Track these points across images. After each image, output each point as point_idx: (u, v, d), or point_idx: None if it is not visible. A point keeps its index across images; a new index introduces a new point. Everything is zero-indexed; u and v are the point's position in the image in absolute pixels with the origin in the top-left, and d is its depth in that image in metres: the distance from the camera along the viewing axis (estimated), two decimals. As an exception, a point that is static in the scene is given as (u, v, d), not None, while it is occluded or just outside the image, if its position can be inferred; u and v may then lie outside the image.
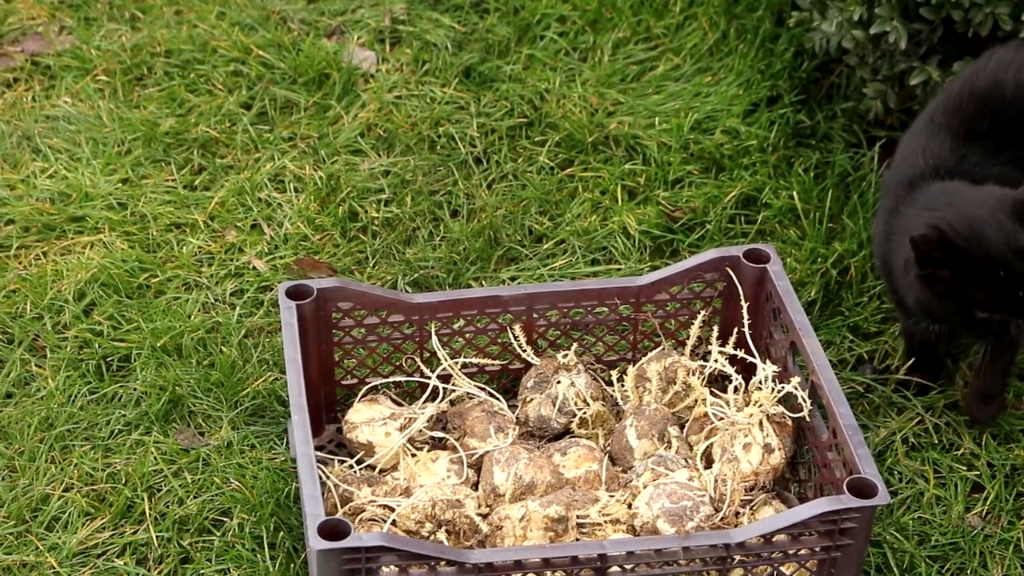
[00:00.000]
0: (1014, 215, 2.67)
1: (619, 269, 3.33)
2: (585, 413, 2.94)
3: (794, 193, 3.40)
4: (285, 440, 3.00)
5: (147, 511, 2.87)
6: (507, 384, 3.05)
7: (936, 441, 3.01)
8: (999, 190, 2.77)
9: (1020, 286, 2.66)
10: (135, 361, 3.13)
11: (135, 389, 3.07)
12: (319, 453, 2.93)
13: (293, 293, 2.88)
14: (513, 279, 3.32)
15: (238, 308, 3.24)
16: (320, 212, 3.44)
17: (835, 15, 3.32)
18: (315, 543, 2.49)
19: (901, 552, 2.83)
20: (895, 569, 2.81)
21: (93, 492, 2.91)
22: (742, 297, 2.93)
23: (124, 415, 3.03)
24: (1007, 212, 2.68)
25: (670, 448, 2.87)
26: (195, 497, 2.90)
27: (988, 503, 2.91)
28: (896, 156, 3.02)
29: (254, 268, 3.34)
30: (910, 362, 3.07)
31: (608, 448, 2.92)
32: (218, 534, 2.85)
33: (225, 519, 2.88)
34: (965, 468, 2.96)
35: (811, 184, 3.43)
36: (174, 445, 2.99)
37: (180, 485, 2.92)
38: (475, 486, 2.86)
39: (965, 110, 2.92)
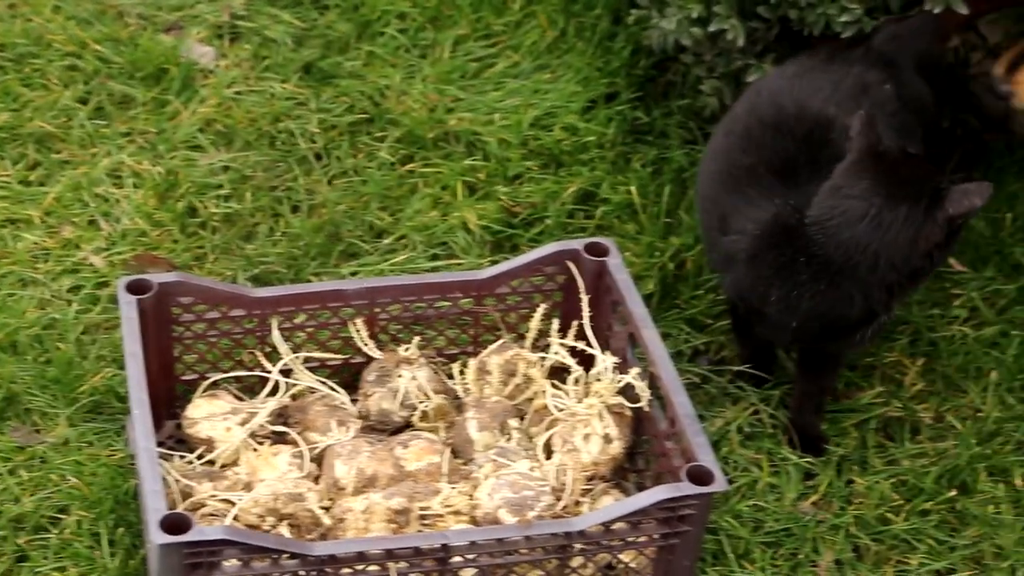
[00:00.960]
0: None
1: (460, 264, 3.35)
2: (426, 406, 2.95)
3: (632, 188, 3.45)
4: (124, 436, 2.97)
5: (-18, 509, 2.84)
6: (349, 378, 3.05)
7: (770, 431, 3.07)
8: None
9: None
10: (-31, 358, 3.08)
11: (-31, 386, 3.03)
12: (159, 449, 2.90)
13: (133, 288, 2.85)
14: (354, 274, 3.32)
15: (75, 304, 3.20)
16: (159, 208, 3.42)
17: (674, 13, 3.37)
18: (156, 537, 2.47)
19: (737, 538, 2.89)
20: (731, 555, 2.86)
21: (-74, 491, 2.86)
22: (582, 290, 2.96)
23: (-42, 412, 2.99)
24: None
25: (511, 440, 2.90)
26: (31, 495, 2.87)
27: (820, 491, 2.98)
28: None
29: (91, 264, 3.30)
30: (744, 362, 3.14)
31: (450, 441, 2.94)
32: (55, 532, 2.82)
33: (63, 516, 2.84)
34: (797, 457, 3.03)
35: (648, 180, 3.48)
36: (9, 443, 2.95)
37: (16, 483, 2.89)
38: (317, 480, 2.86)
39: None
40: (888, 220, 2.73)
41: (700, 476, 2.61)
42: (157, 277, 2.88)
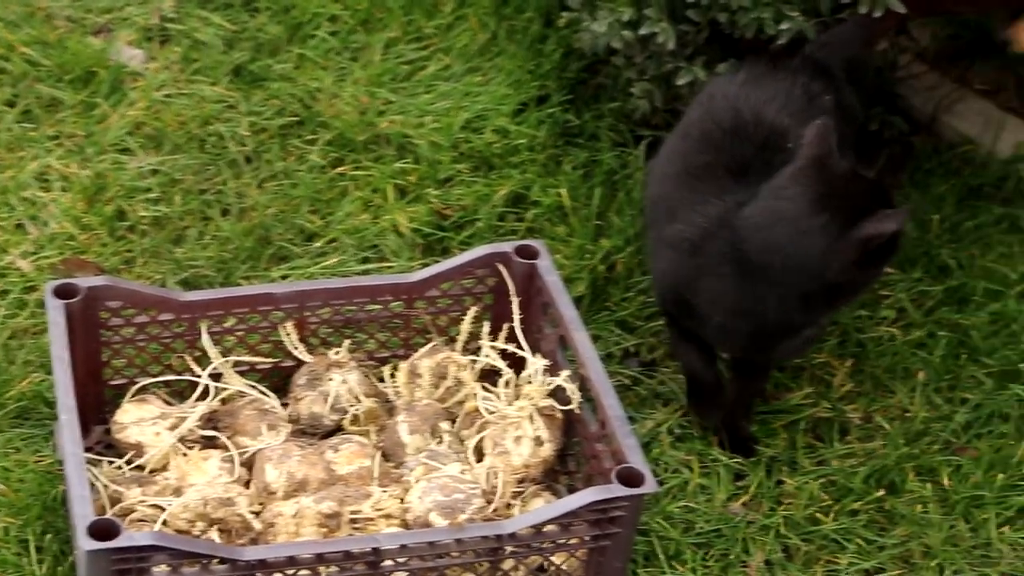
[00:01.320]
0: None
1: (390, 267, 3.34)
2: (357, 410, 2.94)
3: (562, 191, 3.45)
4: (52, 442, 2.95)
5: (-93, 516, 2.81)
6: (279, 382, 3.04)
7: (700, 432, 3.08)
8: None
9: None
10: None
11: None
12: (87, 454, 2.89)
13: (61, 292, 2.83)
14: (284, 278, 3.31)
15: (2, 309, 3.17)
16: (87, 211, 3.39)
17: (605, 16, 3.38)
18: (84, 544, 2.45)
19: (668, 540, 2.90)
20: (662, 556, 2.87)
21: None
22: (512, 292, 2.97)
23: None
24: None
25: (442, 443, 2.90)
26: (-43, 502, 2.85)
27: (750, 491, 2.99)
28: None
29: (18, 268, 3.27)
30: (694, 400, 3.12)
31: (381, 444, 2.93)
32: (-18, 538, 2.80)
33: (-10, 523, 2.82)
34: (727, 458, 3.04)
35: (579, 182, 3.49)
36: (-66, 449, 2.93)
37: (-58, 490, 2.86)
38: (247, 484, 2.85)
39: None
40: (805, 226, 2.75)
41: (630, 478, 2.62)
42: (85, 281, 2.86)
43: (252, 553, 2.53)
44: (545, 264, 2.97)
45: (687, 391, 3.09)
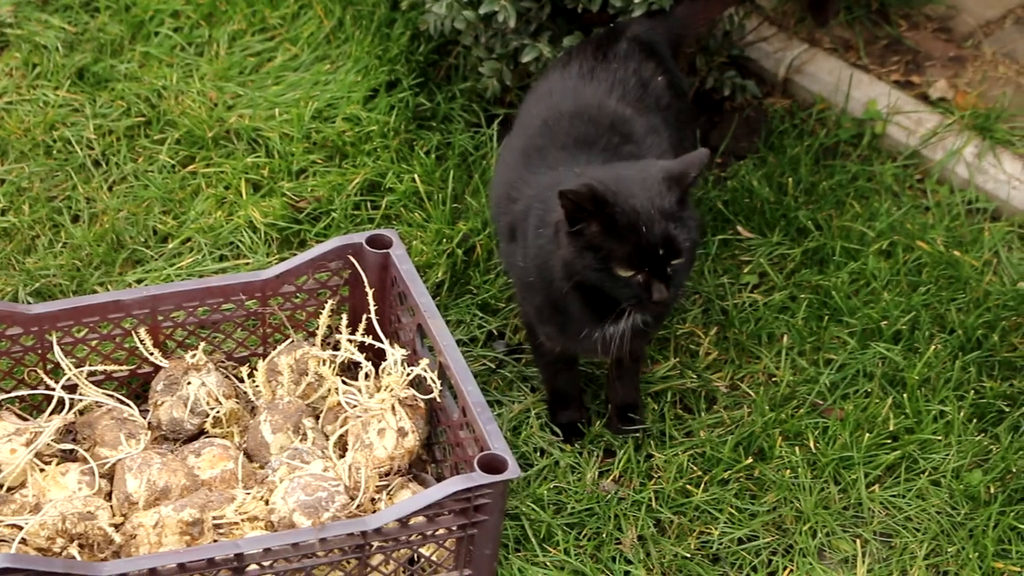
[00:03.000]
0: (664, 182, 2.71)
1: (248, 263, 3.29)
2: (218, 412, 2.90)
3: (416, 176, 3.41)
4: (-95, 466, 2.87)
5: None
6: (138, 389, 2.99)
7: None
8: (653, 162, 2.81)
9: (662, 246, 2.68)
10: None
11: None
12: (-58, 476, 2.83)
13: (-100, 313, 2.76)
14: (140, 281, 3.25)
15: None
16: (-69, 226, 3.32)
17: (446, -4, 3.35)
18: (-65, 571, 2.39)
19: (539, 523, 2.87)
20: (533, 540, 2.85)
21: None
22: (366, 283, 2.93)
23: None
24: (657, 179, 2.71)
25: (306, 440, 2.85)
26: None
27: (620, 467, 2.98)
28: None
29: None
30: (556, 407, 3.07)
31: (244, 445, 2.89)
32: None
33: None
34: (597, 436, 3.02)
35: (433, 166, 3.45)
36: None
37: None
38: (109, 496, 2.79)
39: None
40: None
41: (492, 464, 2.59)
42: (-75, 300, 2.79)
43: (111, 568, 2.48)
44: (399, 253, 2.93)
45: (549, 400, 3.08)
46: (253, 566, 2.55)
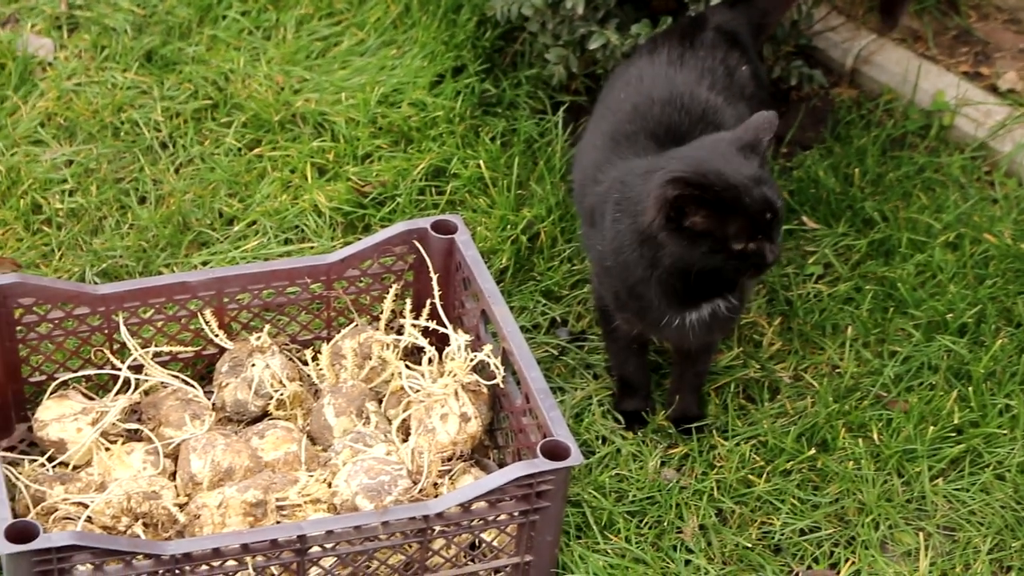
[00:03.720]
0: (740, 152, 2.71)
1: (312, 247, 3.30)
2: (282, 394, 2.91)
3: (481, 162, 3.42)
4: (-27, 443, 2.90)
5: None
6: (202, 370, 3.01)
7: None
8: (719, 136, 2.80)
9: (767, 209, 2.69)
10: None
11: None
12: (9, 454, 2.85)
13: (-30, 292, 2.79)
14: (205, 263, 3.27)
15: (-83, 310, 3.12)
16: (0, 206, 3.34)
17: (514, -18, 3.35)
18: (2, 547, 2.41)
19: (600, 510, 2.87)
20: (595, 527, 2.85)
21: None
22: (431, 268, 2.93)
23: None
24: (732, 150, 2.72)
25: (369, 424, 2.87)
26: None
27: (681, 457, 2.97)
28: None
29: (-67, 268, 3.23)
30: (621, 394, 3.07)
31: (307, 428, 2.90)
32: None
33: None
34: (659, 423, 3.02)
35: (498, 152, 3.46)
36: None
37: None
38: (173, 476, 2.81)
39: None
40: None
41: (555, 451, 2.59)
42: (-5, 279, 2.82)
43: (175, 547, 2.50)
44: (464, 238, 2.93)
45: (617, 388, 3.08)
46: (315, 548, 2.56)
